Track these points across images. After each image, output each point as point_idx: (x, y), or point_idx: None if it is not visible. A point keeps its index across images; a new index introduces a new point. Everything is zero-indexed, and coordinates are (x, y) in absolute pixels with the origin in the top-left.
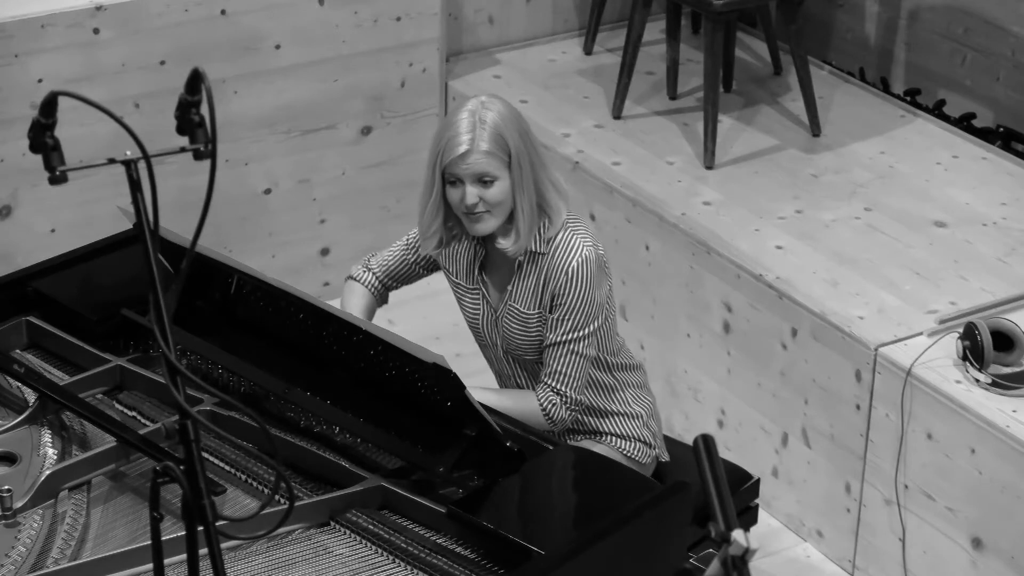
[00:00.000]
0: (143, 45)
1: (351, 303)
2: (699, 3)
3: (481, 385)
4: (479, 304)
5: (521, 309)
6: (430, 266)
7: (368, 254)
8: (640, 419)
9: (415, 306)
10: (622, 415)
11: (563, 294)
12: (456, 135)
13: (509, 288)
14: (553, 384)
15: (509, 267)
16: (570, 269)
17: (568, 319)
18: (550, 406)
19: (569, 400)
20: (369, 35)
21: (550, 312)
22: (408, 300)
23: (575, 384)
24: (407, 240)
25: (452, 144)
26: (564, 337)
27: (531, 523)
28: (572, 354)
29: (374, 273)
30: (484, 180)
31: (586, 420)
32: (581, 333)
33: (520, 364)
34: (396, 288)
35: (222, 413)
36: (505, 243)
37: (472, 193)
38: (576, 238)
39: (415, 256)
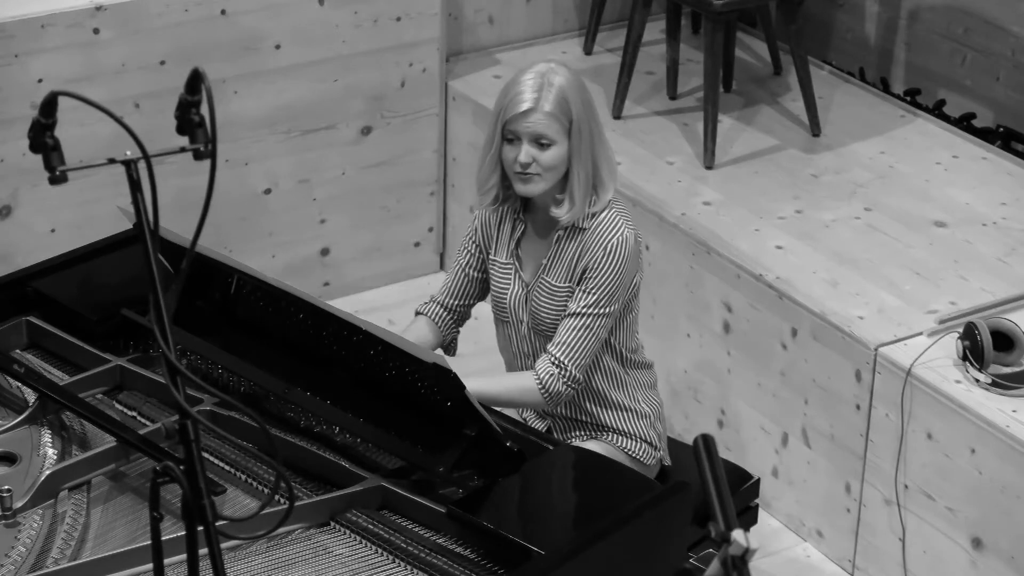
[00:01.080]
0: (143, 45)
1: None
2: (699, 3)
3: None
4: (511, 280)
5: (553, 282)
6: (481, 265)
7: None
8: (648, 419)
9: (415, 306)
10: (630, 411)
11: (596, 267)
12: (521, 92)
13: (544, 262)
14: (557, 354)
15: (547, 244)
16: (609, 245)
17: (593, 292)
18: (547, 377)
19: (568, 375)
20: (369, 35)
21: (578, 284)
22: (408, 301)
23: (579, 360)
24: (459, 249)
25: (516, 101)
26: (583, 309)
27: (531, 523)
28: (585, 328)
29: (435, 300)
30: (541, 142)
31: (594, 411)
32: (600, 310)
33: (542, 341)
34: (463, 308)
35: (222, 413)
36: (559, 212)
37: (527, 152)
38: (620, 219)
39: (467, 259)
